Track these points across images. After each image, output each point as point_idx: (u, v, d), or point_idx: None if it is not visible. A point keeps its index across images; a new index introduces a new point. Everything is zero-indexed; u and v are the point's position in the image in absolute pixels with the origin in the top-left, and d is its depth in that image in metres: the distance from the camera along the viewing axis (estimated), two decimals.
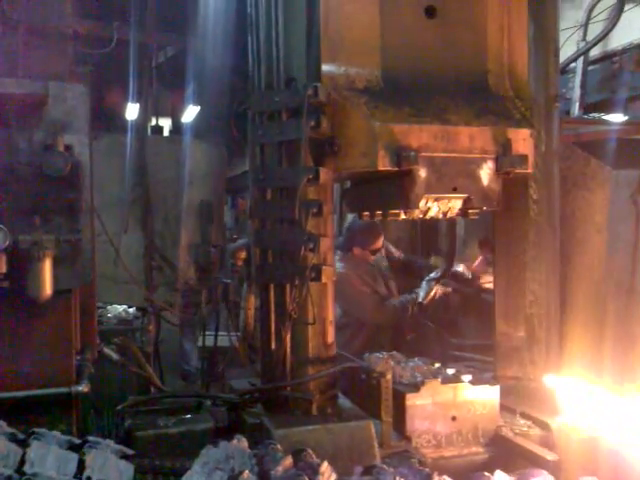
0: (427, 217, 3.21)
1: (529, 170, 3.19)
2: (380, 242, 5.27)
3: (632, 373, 3.44)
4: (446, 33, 3.21)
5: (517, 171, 3.14)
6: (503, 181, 3.22)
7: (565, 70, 6.83)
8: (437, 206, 3.15)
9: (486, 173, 3.10)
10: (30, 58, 3.27)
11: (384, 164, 2.96)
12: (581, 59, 6.78)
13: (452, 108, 3.11)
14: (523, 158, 3.12)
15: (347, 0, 3.11)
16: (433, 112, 3.07)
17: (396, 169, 2.95)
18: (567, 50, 6.71)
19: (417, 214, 3.17)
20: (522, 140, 3.13)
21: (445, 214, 3.22)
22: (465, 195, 3.12)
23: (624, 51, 6.61)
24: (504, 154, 3.09)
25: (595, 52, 6.96)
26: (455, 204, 3.18)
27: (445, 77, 3.19)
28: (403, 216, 3.24)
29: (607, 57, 6.95)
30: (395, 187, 3.12)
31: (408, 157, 2.94)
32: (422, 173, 3.01)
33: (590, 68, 7.00)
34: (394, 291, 5.35)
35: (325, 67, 3.11)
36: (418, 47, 3.18)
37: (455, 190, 3.09)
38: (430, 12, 3.20)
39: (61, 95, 3.04)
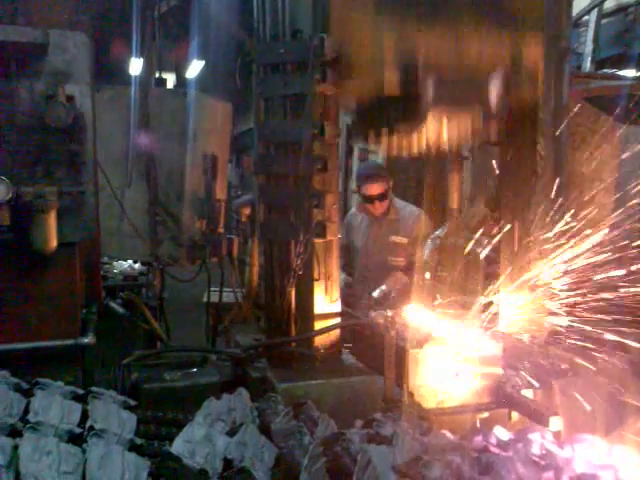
0: (439, 140, 3.13)
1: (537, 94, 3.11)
2: (370, 188, 4.84)
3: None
4: None
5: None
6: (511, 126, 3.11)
7: (577, 23, 6.66)
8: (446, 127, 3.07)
9: (496, 88, 3.02)
10: (30, 6, 3.20)
11: (392, 81, 2.88)
12: (595, 11, 6.59)
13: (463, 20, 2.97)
14: (533, 79, 3.04)
15: None
16: (443, 23, 2.92)
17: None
18: (581, 2, 6.53)
19: (427, 135, 3.09)
20: (533, 52, 3.04)
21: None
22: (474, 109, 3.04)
23: (639, 3, 6.42)
24: (515, 70, 3.00)
25: (609, 4, 6.77)
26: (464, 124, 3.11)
27: None
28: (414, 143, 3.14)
29: (622, 9, 6.75)
30: (402, 104, 3.03)
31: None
32: (430, 91, 2.94)
33: (603, 21, 6.81)
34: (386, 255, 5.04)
35: None
36: None
37: (463, 103, 3.02)
38: None
39: (62, 44, 2.98)
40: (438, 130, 3.16)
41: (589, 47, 6.87)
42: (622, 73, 6.38)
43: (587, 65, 6.89)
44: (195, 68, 10.41)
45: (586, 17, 6.90)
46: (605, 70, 6.57)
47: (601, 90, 4.86)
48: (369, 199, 4.82)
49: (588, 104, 4.58)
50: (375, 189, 4.78)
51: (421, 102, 2.97)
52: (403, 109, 3.11)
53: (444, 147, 3.28)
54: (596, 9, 6.75)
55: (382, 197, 4.80)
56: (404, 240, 4.90)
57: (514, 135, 3.74)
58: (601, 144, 4.48)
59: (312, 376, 3.11)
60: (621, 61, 6.69)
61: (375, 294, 4.23)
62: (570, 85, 3.88)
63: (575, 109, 4.19)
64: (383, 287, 4.26)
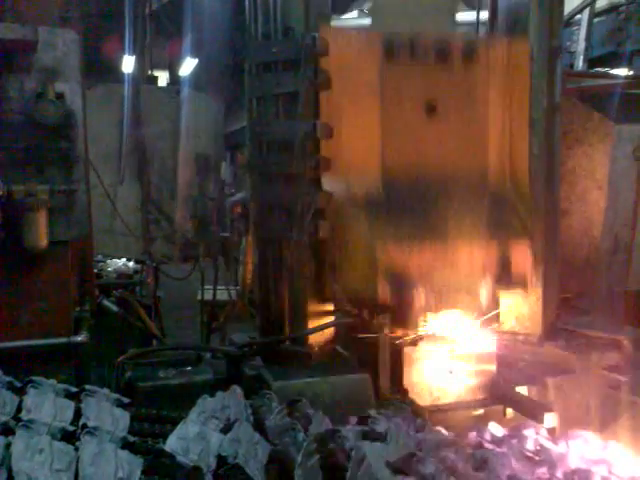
0: None
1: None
2: None
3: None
4: (447, 131, 3.20)
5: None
6: None
7: (570, 22, 6.67)
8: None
9: (486, 291, 3.20)
10: (20, 3, 3.18)
11: (384, 293, 3.03)
12: (587, 11, 6.61)
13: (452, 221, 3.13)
14: (522, 280, 3.26)
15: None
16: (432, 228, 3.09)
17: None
18: (572, 2, 6.55)
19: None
20: (521, 257, 3.24)
21: None
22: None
23: (631, 2, 6.44)
24: (504, 274, 3.20)
25: (601, 3, 6.78)
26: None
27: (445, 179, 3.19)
28: None
29: (614, 9, 6.77)
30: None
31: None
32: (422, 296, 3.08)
33: (596, 20, 6.83)
34: None
35: None
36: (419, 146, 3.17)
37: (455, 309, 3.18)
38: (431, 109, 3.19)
39: (52, 41, 2.96)
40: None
41: (581, 46, 6.88)
42: (614, 72, 6.40)
43: (580, 64, 6.90)
44: (188, 66, 10.36)
45: (578, 16, 6.92)
46: (597, 69, 6.59)
47: (594, 89, 4.86)
48: None
49: (581, 102, 4.59)
50: None
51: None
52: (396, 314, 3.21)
53: None
54: (588, 8, 6.77)
55: None
56: None
57: None
58: (594, 142, 4.48)
59: (307, 374, 3.10)
60: (613, 59, 6.71)
61: None
62: (563, 84, 3.89)
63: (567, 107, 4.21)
64: None
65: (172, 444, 2.07)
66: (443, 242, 3.15)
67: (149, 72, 6.79)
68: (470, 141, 3.29)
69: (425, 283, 3.11)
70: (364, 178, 3.15)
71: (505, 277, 3.27)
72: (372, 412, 2.53)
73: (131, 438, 2.14)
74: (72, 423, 2.11)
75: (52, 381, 2.36)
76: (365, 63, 3.15)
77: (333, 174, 3.10)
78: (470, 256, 3.19)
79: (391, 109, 3.16)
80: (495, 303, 3.34)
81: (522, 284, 3.36)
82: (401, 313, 3.13)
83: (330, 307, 3.37)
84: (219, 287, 4.21)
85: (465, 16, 4.74)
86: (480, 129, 3.30)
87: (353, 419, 2.52)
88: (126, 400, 2.40)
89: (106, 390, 2.39)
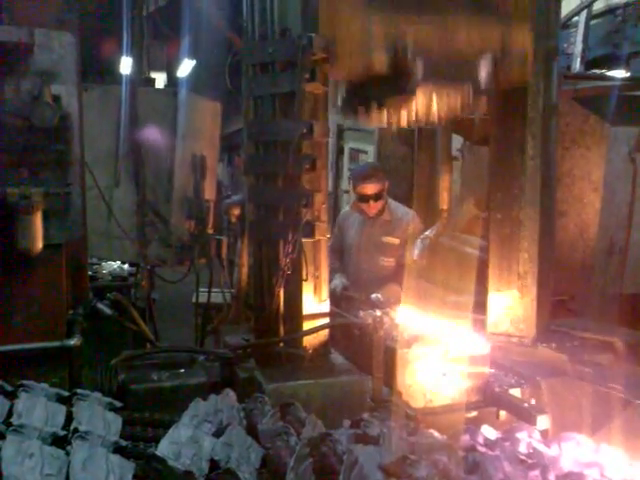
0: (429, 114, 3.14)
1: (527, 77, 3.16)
2: (366, 188, 4.81)
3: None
4: None
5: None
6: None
7: (567, 24, 6.68)
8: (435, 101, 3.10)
9: (484, 69, 3.07)
10: (16, 5, 3.18)
11: (381, 63, 2.91)
12: (584, 13, 6.62)
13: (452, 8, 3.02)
14: (522, 63, 3.10)
15: None
16: (432, 10, 2.96)
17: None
18: (570, 3, 6.55)
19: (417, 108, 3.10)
20: (522, 39, 3.10)
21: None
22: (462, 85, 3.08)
23: (628, 4, 6.44)
24: (502, 52, 3.06)
25: (598, 5, 6.79)
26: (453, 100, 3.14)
27: None
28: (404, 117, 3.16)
29: (611, 11, 6.78)
30: (392, 82, 3.06)
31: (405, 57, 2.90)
32: (420, 68, 2.95)
33: (593, 22, 6.83)
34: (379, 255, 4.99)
35: None
36: None
37: (452, 79, 3.06)
38: None
39: (48, 44, 2.96)
40: (427, 104, 3.20)
41: (579, 47, 6.89)
42: (611, 73, 6.41)
43: (577, 65, 6.91)
44: (186, 67, 10.38)
45: (576, 18, 6.93)
46: (594, 70, 6.60)
47: (590, 90, 4.87)
48: (365, 198, 4.82)
49: (577, 104, 4.60)
50: (371, 189, 4.80)
51: (410, 78, 2.99)
52: (392, 86, 3.14)
53: (433, 120, 3.31)
54: (585, 10, 6.78)
55: (377, 197, 4.81)
56: (396, 241, 4.91)
57: (503, 134, 3.76)
58: (590, 144, 4.50)
59: (300, 376, 3.10)
60: (610, 61, 6.72)
61: (373, 297, 4.24)
62: (559, 85, 3.90)
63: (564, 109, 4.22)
64: (379, 295, 4.26)
65: (164, 448, 2.07)
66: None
67: (146, 74, 6.79)
68: None
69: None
70: None
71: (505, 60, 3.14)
72: (365, 415, 2.53)
73: (123, 442, 2.13)
74: (64, 427, 2.10)
75: (44, 385, 2.35)
76: None
77: None
78: (468, 33, 3.09)
79: None
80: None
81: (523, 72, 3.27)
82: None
83: (325, 308, 3.37)
84: (214, 289, 4.21)
85: None
86: None
87: (346, 422, 2.52)
88: (118, 404, 2.40)
89: (98, 394, 2.38)
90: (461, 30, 3.05)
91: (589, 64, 6.83)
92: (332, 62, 3.06)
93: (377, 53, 2.92)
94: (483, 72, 3.08)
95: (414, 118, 3.28)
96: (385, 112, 3.29)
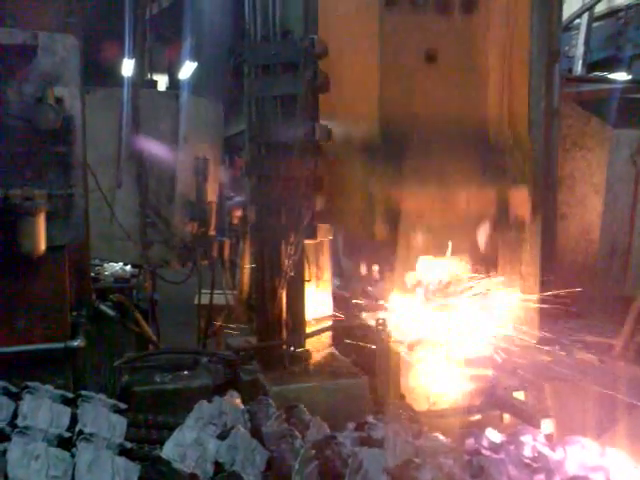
0: None
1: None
2: None
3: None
4: (447, 79, 3.13)
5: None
6: None
7: (569, 27, 6.68)
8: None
9: (483, 236, 3.12)
10: (20, 8, 3.18)
11: (381, 233, 2.97)
12: (586, 15, 6.62)
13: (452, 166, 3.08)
14: (520, 224, 3.17)
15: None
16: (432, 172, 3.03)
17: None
18: (572, 5, 6.55)
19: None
20: (520, 201, 3.15)
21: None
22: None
23: (630, 6, 6.44)
24: (501, 217, 3.11)
25: (600, 8, 6.79)
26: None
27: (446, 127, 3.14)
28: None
29: (613, 13, 6.78)
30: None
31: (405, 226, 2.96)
32: (419, 238, 3.02)
33: (595, 25, 6.84)
34: None
35: None
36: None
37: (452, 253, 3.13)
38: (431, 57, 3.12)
39: (51, 46, 2.96)
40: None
41: (580, 50, 6.89)
42: (613, 76, 6.41)
43: (579, 68, 6.91)
44: (187, 69, 10.37)
45: (578, 20, 6.93)
46: (596, 73, 6.60)
47: (592, 93, 4.88)
48: None
49: (579, 107, 4.60)
50: None
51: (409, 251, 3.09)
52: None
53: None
54: (587, 12, 6.78)
55: None
56: None
57: None
58: (592, 146, 4.50)
59: (304, 379, 3.09)
60: (612, 64, 6.72)
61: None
62: (561, 88, 3.90)
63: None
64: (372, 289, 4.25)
65: (169, 450, 2.07)
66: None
67: (148, 76, 6.80)
68: (469, 89, 3.22)
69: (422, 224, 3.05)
70: (363, 125, 3.11)
71: (503, 223, 3.19)
72: (370, 418, 2.53)
73: (128, 444, 2.13)
74: (68, 429, 2.10)
75: (48, 387, 2.35)
76: (365, 12, 3.08)
77: (334, 119, 3.06)
78: (467, 200, 3.12)
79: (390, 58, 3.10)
80: (493, 249, 3.27)
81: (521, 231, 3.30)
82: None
83: (328, 310, 3.37)
84: (217, 291, 4.20)
85: None
86: (480, 77, 3.23)
87: (351, 425, 2.51)
88: (123, 406, 2.39)
89: (103, 396, 2.38)
90: (461, 200, 3.10)
91: (591, 66, 6.83)
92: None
93: (378, 225, 3.00)
94: (482, 240, 3.14)
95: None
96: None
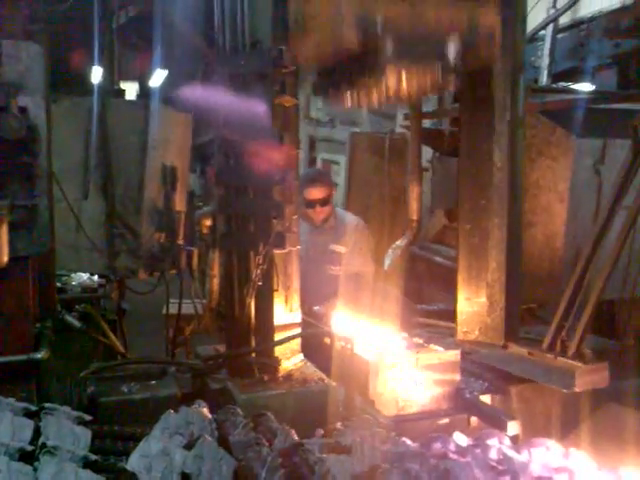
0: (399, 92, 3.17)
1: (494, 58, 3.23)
2: (312, 192, 4.77)
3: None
4: None
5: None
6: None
7: (534, 38, 6.82)
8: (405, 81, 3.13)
9: (453, 46, 3.11)
10: None
11: (351, 40, 2.93)
12: (550, 27, 6.77)
13: None
14: (490, 37, 3.16)
15: None
16: None
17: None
18: (537, 17, 6.70)
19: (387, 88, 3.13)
20: (490, 16, 3.16)
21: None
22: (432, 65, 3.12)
23: (592, 19, 6.61)
24: (470, 32, 3.10)
25: (565, 20, 6.95)
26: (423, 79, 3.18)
27: None
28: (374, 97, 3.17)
29: (576, 25, 6.94)
30: (361, 61, 3.09)
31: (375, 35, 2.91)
32: (389, 46, 2.98)
33: (559, 36, 6.99)
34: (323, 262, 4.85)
35: None
36: None
37: (421, 58, 3.10)
38: None
39: (15, 54, 2.93)
40: (397, 83, 3.23)
41: (545, 61, 7.03)
42: (577, 87, 6.56)
43: (544, 78, 7.05)
44: (158, 77, 10.31)
45: (542, 32, 7.08)
46: (561, 83, 6.74)
47: (557, 103, 4.99)
48: (311, 204, 4.78)
49: (544, 117, 4.70)
50: (317, 193, 4.76)
51: (379, 58, 3.02)
52: (362, 65, 3.16)
53: (403, 99, 3.34)
54: (552, 24, 6.93)
55: (324, 202, 4.77)
56: (343, 249, 4.87)
57: (471, 146, 3.82)
58: (556, 156, 4.59)
59: (272, 386, 3.10)
60: (576, 74, 6.87)
61: (315, 309, 4.21)
62: (526, 98, 3.98)
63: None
64: (320, 308, 4.24)
65: (134, 462, 2.05)
66: None
67: (117, 85, 6.74)
68: None
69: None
70: None
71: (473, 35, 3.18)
72: (338, 424, 2.54)
73: (92, 457, 2.10)
74: (31, 443, 2.07)
75: (10, 400, 2.31)
76: None
77: None
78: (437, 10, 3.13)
79: None
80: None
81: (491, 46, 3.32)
82: None
83: (296, 318, 3.38)
84: (185, 300, 4.18)
85: None
86: None
87: (319, 432, 2.52)
88: (87, 417, 2.36)
89: (67, 408, 2.35)
90: (430, 10, 3.08)
91: (556, 77, 6.97)
92: (302, 40, 3.05)
93: (347, 31, 2.94)
94: (451, 51, 3.13)
95: (384, 98, 3.30)
96: (356, 93, 3.32)
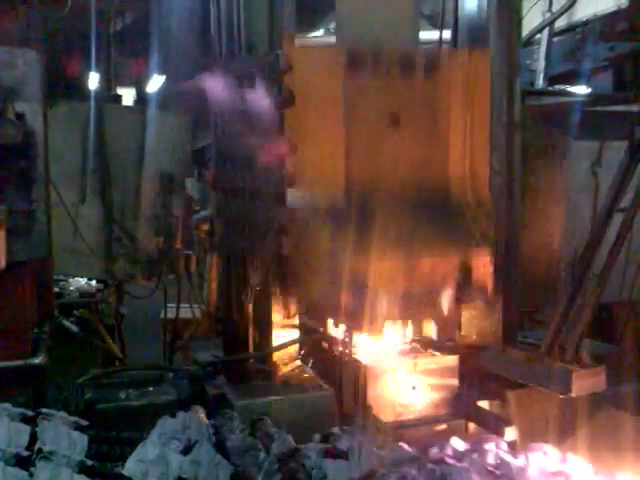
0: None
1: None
2: None
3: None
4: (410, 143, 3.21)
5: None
6: None
7: (530, 41, 6.82)
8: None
9: (447, 302, 3.18)
10: None
11: (348, 305, 2.98)
12: (546, 30, 6.77)
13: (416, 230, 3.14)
14: (483, 290, 3.24)
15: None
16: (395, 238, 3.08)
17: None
18: (533, 20, 6.70)
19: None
20: (482, 267, 3.24)
21: None
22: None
23: (587, 22, 6.62)
24: (465, 283, 3.19)
25: (560, 23, 6.95)
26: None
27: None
28: None
29: (572, 28, 6.95)
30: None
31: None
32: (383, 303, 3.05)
33: (555, 39, 6.99)
34: None
35: None
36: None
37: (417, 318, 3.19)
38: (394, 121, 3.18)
39: (12, 61, 2.94)
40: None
41: (542, 64, 7.03)
42: (573, 89, 6.56)
43: (540, 81, 7.05)
44: (155, 83, 10.32)
45: (538, 35, 7.08)
46: (557, 86, 6.74)
47: (553, 106, 4.99)
48: None
49: (541, 119, 4.70)
50: None
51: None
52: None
53: None
54: (548, 27, 6.93)
55: None
56: None
57: None
58: (553, 158, 4.59)
59: (270, 392, 3.09)
60: (572, 78, 6.87)
61: None
62: (523, 101, 3.98)
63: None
64: None
65: (131, 467, 2.05)
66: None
67: (114, 90, 6.76)
68: (432, 152, 3.30)
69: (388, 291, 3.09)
70: (328, 191, 3.14)
71: (467, 289, 3.28)
72: (335, 429, 2.53)
73: (89, 462, 2.10)
74: (28, 448, 2.06)
75: (7, 405, 2.31)
76: (329, 77, 3.15)
77: (298, 188, 3.09)
78: (431, 265, 3.18)
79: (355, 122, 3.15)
80: (457, 314, 3.35)
81: (483, 298, 3.39)
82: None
83: (295, 324, 3.37)
84: (183, 305, 4.18)
85: (428, 35, 4.83)
86: (442, 140, 3.32)
87: (316, 437, 2.51)
88: (84, 422, 2.36)
89: (63, 413, 2.34)
90: (425, 267, 3.15)
91: (552, 80, 6.97)
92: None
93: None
94: (444, 305, 3.20)
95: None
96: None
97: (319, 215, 3.09)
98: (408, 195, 3.20)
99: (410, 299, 3.11)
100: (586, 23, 6.64)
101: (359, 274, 2.98)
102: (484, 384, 3.27)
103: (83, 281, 4.62)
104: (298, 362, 3.37)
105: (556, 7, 6.62)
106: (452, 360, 3.15)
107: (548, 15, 6.68)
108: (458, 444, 2.52)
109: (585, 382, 2.98)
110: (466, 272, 3.21)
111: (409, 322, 3.29)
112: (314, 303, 3.22)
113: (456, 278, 3.18)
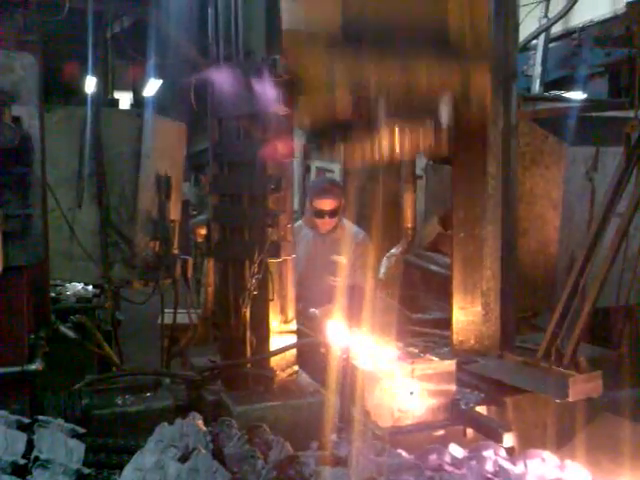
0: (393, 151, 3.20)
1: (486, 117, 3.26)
2: (322, 203, 4.71)
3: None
4: None
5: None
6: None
7: (526, 47, 6.86)
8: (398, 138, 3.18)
9: (445, 109, 3.13)
10: None
11: (345, 109, 2.95)
12: (542, 36, 6.81)
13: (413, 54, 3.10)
14: (481, 99, 3.18)
15: None
16: (393, 56, 3.02)
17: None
18: (529, 26, 6.74)
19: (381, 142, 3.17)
20: (480, 79, 3.17)
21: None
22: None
23: (583, 28, 6.67)
24: (463, 92, 3.12)
25: (557, 29, 7.00)
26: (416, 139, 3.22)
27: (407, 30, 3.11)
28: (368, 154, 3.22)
29: (568, 34, 7.00)
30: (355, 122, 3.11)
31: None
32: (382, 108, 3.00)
33: (551, 45, 7.03)
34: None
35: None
36: None
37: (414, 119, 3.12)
38: None
39: (8, 64, 2.91)
40: (391, 143, 3.25)
41: (538, 70, 7.07)
42: (569, 95, 6.60)
43: (536, 87, 7.08)
44: (152, 87, 10.33)
45: (535, 41, 7.12)
46: (553, 92, 6.78)
47: (549, 111, 5.01)
48: (320, 214, 4.75)
49: (537, 125, 4.73)
50: (328, 204, 4.73)
51: (373, 121, 3.05)
52: (356, 125, 3.19)
53: (397, 156, 3.37)
54: (544, 33, 6.97)
55: (333, 213, 4.73)
56: (344, 260, 4.84)
57: (465, 156, 3.83)
58: (549, 164, 4.61)
59: (268, 398, 3.08)
60: (568, 83, 6.91)
61: (311, 311, 4.20)
62: (519, 106, 4.00)
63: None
64: (315, 311, 4.21)
65: (128, 475, 2.03)
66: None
67: (111, 95, 6.77)
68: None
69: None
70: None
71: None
72: (333, 436, 2.53)
73: (86, 470, 2.09)
74: (24, 456, 2.05)
75: (3, 412, 2.29)
76: None
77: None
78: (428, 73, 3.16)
79: None
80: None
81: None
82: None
83: (292, 328, 3.37)
84: (180, 310, 4.17)
85: None
86: None
87: (314, 444, 2.51)
88: (81, 430, 2.35)
89: (60, 420, 2.33)
90: (422, 73, 3.13)
91: (548, 86, 7.01)
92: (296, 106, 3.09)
93: (341, 95, 2.98)
94: (444, 112, 3.16)
95: (378, 156, 3.33)
96: (350, 148, 3.35)
97: (317, 42, 3.03)
98: (405, 28, 3.13)
99: (410, 107, 3.07)
100: (582, 29, 6.69)
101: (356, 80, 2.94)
102: (482, 390, 3.27)
103: (80, 286, 4.61)
104: (295, 367, 3.36)
105: (552, 13, 6.67)
106: (450, 365, 3.14)
107: (544, 21, 6.73)
108: (456, 451, 2.52)
109: (582, 387, 2.98)
110: (464, 84, 3.16)
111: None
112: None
113: (454, 88, 3.13)
